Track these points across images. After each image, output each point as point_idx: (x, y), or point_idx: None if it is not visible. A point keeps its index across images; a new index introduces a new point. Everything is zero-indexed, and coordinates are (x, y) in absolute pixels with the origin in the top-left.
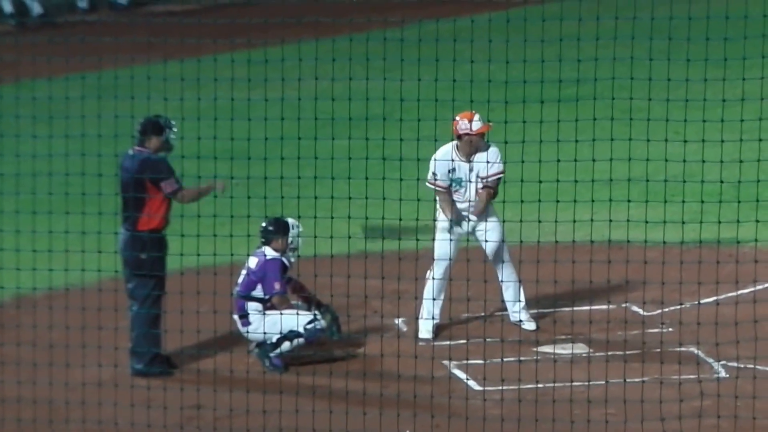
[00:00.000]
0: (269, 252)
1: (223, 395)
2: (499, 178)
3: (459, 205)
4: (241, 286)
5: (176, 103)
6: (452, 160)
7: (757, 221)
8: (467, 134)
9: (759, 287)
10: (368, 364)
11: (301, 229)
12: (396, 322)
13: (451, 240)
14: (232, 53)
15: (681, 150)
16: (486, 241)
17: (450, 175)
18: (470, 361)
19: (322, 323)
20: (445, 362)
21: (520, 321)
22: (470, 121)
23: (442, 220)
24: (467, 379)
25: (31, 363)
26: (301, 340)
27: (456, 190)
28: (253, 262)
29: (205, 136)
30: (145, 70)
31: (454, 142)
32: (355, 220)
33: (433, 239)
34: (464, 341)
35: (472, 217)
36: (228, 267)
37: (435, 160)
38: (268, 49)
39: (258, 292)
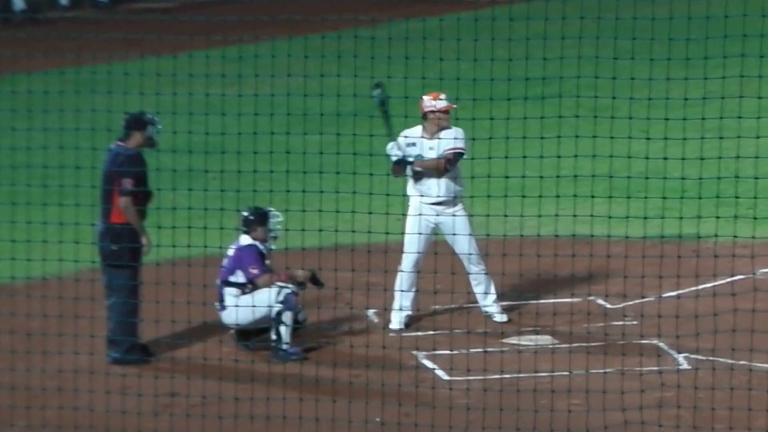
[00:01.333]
0: (245, 239)
1: (196, 383)
2: (457, 154)
3: (420, 187)
4: (220, 274)
5: (152, 98)
6: (414, 137)
7: (718, 217)
8: (432, 111)
9: (719, 281)
10: (338, 354)
11: (280, 219)
12: (366, 313)
13: (420, 234)
14: (208, 50)
15: (644, 147)
16: (453, 234)
17: (409, 149)
18: (438, 352)
19: (289, 287)
20: (414, 352)
21: (491, 314)
22: (435, 99)
23: (411, 209)
24: (435, 369)
25: (9, 350)
26: (287, 313)
27: (419, 171)
28: (231, 251)
29: (180, 131)
30: (123, 66)
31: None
32: (327, 213)
33: (403, 233)
34: (432, 332)
35: (434, 203)
36: (202, 258)
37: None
38: (242, 46)
39: (236, 277)
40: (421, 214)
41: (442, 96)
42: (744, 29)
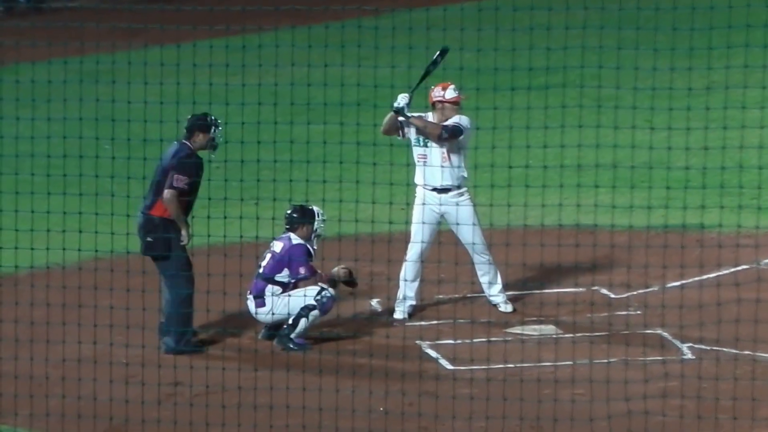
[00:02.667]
0: (294, 237)
1: (199, 372)
2: (455, 127)
3: (426, 170)
4: (265, 268)
5: (156, 88)
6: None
7: (722, 207)
8: (440, 101)
9: (723, 272)
10: (342, 343)
11: (325, 218)
12: (370, 303)
13: (425, 224)
14: (211, 40)
15: (648, 137)
16: (457, 224)
17: (416, 134)
18: (441, 342)
19: (330, 291)
20: (418, 342)
21: (497, 303)
22: (444, 89)
23: (417, 198)
24: (438, 358)
25: (12, 339)
26: (315, 312)
27: (421, 155)
28: (278, 246)
29: (184, 120)
30: (126, 55)
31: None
32: (330, 203)
33: (407, 222)
34: (436, 322)
35: (437, 190)
36: (206, 248)
37: None
38: (246, 36)
39: (282, 276)
40: (425, 203)
41: (452, 87)
42: (748, 19)
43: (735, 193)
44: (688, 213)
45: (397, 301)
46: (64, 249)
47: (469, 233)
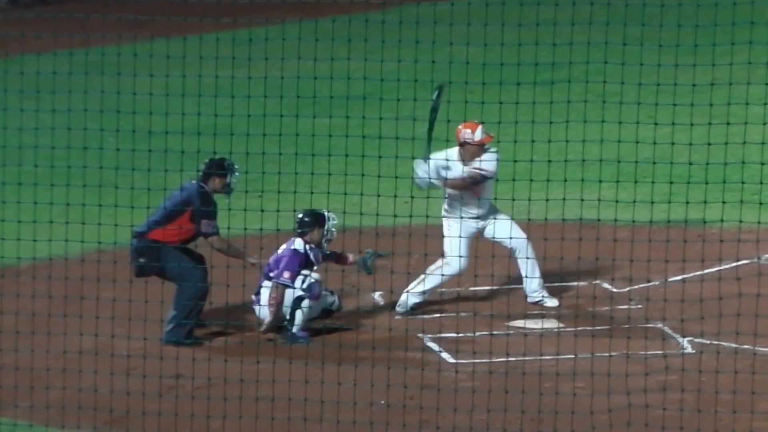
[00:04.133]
0: (298, 242)
1: (201, 364)
2: (481, 173)
3: (461, 207)
4: (266, 266)
5: (162, 80)
6: (447, 159)
7: (724, 202)
8: (468, 143)
9: (724, 266)
10: (344, 336)
11: (336, 222)
12: (373, 295)
13: (461, 237)
14: (218, 32)
15: (652, 133)
16: (494, 226)
17: (443, 172)
18: (443, 335)
19: (313, 277)
20: (420, 335)
21: (540, 300)
22: (473, 131)
23: (449, 216)
24: (440, 351)
25: (13, 331)
26: (306, 302)
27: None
28: (282, 247)
29: (189, 113)
30: (132, 47)
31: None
32: (335, 195)
33: (443, 236)
34: (438, 315)
35: (475, 218)
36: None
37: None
38: (253, 29)
39: (274, 275)
40: (462, 217)
41: (481, 127)
42: (752, 16)
43: (737, 189)
44: (690, 208)
45: (407, 294)
46: (66, 240)
47: (505, 228)
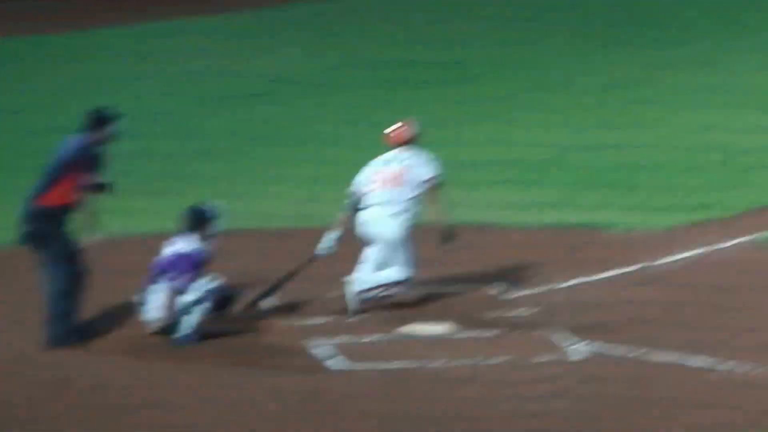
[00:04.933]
0: (186, 243)
1: (86, 368)
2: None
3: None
4: (153, 269)
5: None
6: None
7: (618, 207)
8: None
9: (618, 271)
10: (227, 341)
11: (222, 217)
12: (266, 299)
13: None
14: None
15: (545, 135)
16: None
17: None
18: (333, 341)
19: (213, 283)
20: (305, 341)
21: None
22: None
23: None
24: (327, 358)
25: None
26: (206, 304)
27: None
28: (168, 249)
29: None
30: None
31: None
32: (223, 197)
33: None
34: (324, 320)
35: None
36: (103, 241)
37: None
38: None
39: (166, 278)
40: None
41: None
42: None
43: (631, 193)
44: (584, 212)
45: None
46: None
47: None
